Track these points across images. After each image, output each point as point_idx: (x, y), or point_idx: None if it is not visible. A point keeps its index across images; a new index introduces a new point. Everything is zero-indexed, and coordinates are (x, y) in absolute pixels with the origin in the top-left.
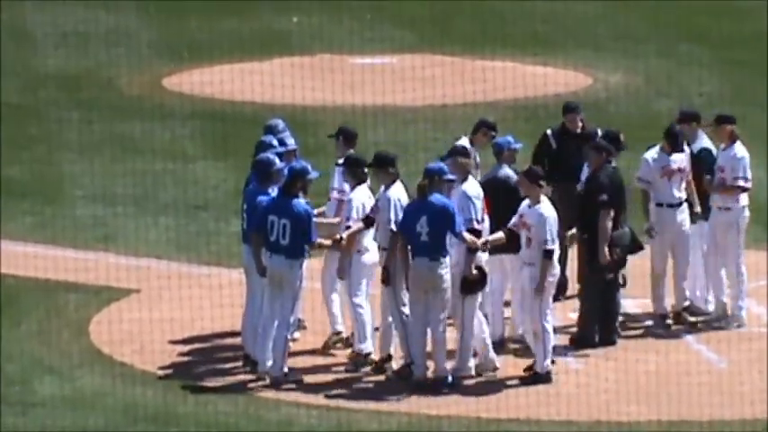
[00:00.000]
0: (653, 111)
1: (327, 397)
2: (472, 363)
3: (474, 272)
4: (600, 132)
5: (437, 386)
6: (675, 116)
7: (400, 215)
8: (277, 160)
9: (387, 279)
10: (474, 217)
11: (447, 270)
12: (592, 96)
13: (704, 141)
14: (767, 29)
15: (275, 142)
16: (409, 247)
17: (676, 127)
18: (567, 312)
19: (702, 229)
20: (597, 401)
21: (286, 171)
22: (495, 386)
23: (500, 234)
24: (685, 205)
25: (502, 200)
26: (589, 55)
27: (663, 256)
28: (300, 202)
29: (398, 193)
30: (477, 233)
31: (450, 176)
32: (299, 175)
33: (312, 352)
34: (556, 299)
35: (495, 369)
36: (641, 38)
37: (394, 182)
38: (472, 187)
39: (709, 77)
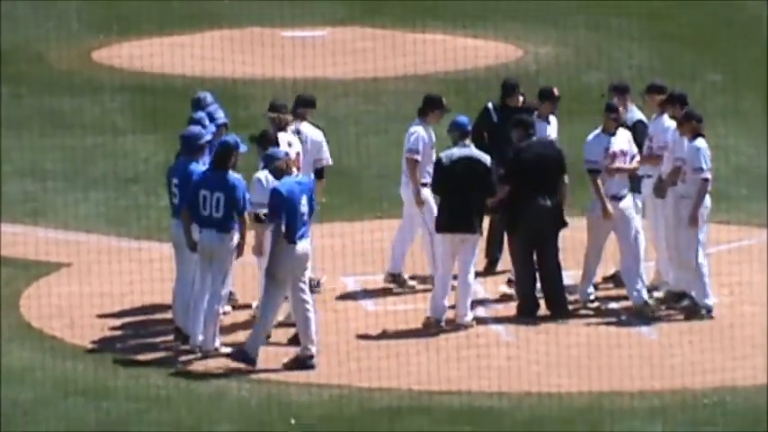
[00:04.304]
0: (583, 83)
1: (258, 370)
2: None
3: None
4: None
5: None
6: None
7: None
8: (205, 133)
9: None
10: None
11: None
12: (522, 68)
13: (636, 113)
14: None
15: (206, 120)
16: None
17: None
18: (499, 285)
19: (633, 201)
20: (528, 373)
21: (217, 145)
22: (427, 359)
23: None
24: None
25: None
26: (519, 27)
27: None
28: (233, 174)
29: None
30: None
31: None
32: (233, 149)
33: (243, 325)
34: (487, 272)
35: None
36: (571, 10)
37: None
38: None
39: (638, 50)
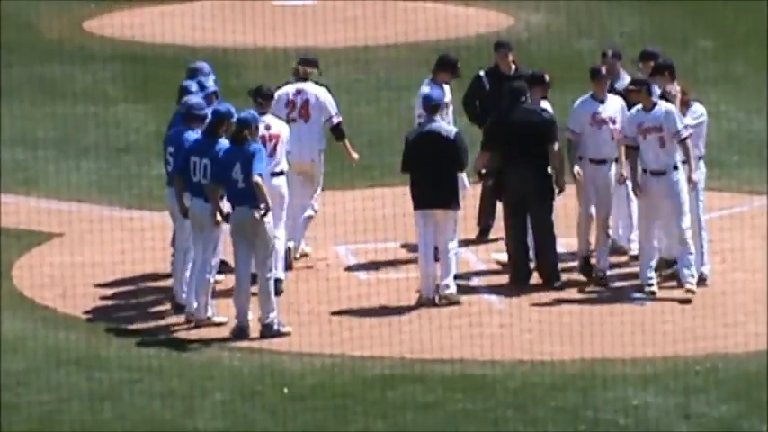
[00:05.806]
0: (574, 50)
1: (251, 339)
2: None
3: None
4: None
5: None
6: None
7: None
8: (205, 105)
9: None
10: None
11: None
12: (514, 36)
13: (627, 80)
14: None
15: (194, 87)
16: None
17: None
18: (491, 253)
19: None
20: (520, 341)
21: (211, 113)
22: (419, 327)
23: None
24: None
25: (439, 153)
26: None
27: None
28: (224, 142)
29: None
30: None
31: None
32: (225, 118)
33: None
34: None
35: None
36: None
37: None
38: None
39: (629, 17)
